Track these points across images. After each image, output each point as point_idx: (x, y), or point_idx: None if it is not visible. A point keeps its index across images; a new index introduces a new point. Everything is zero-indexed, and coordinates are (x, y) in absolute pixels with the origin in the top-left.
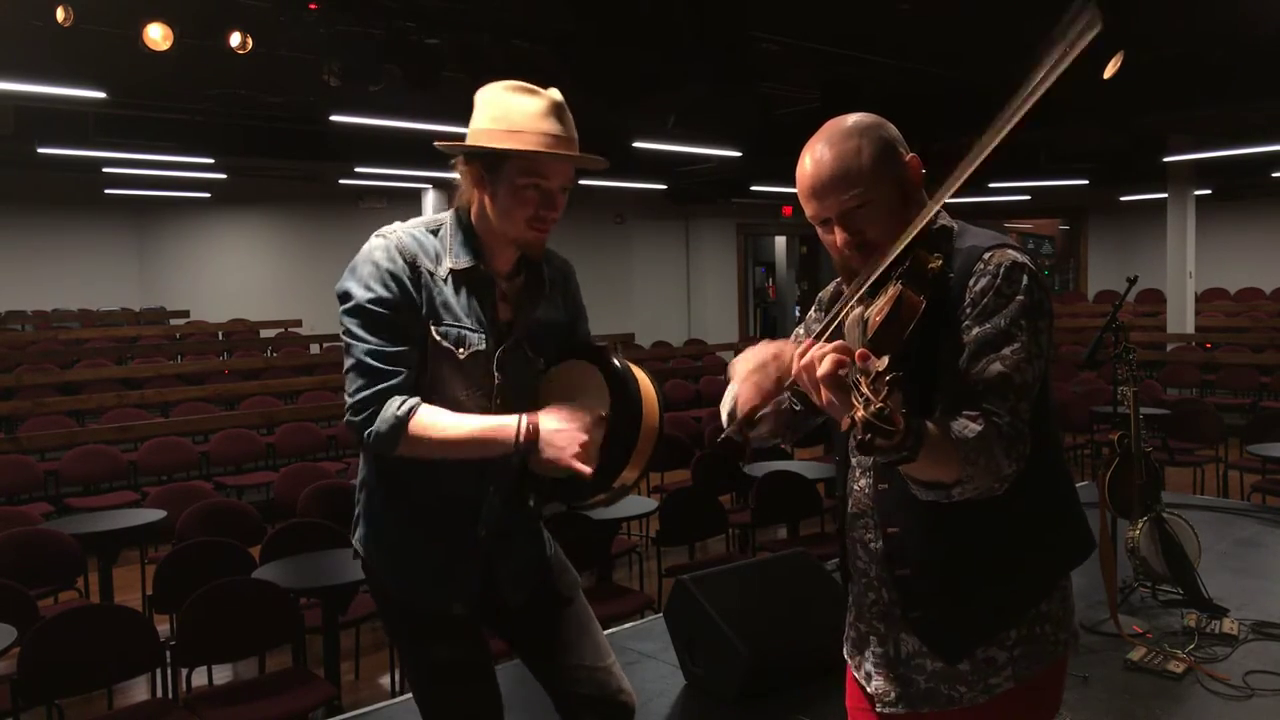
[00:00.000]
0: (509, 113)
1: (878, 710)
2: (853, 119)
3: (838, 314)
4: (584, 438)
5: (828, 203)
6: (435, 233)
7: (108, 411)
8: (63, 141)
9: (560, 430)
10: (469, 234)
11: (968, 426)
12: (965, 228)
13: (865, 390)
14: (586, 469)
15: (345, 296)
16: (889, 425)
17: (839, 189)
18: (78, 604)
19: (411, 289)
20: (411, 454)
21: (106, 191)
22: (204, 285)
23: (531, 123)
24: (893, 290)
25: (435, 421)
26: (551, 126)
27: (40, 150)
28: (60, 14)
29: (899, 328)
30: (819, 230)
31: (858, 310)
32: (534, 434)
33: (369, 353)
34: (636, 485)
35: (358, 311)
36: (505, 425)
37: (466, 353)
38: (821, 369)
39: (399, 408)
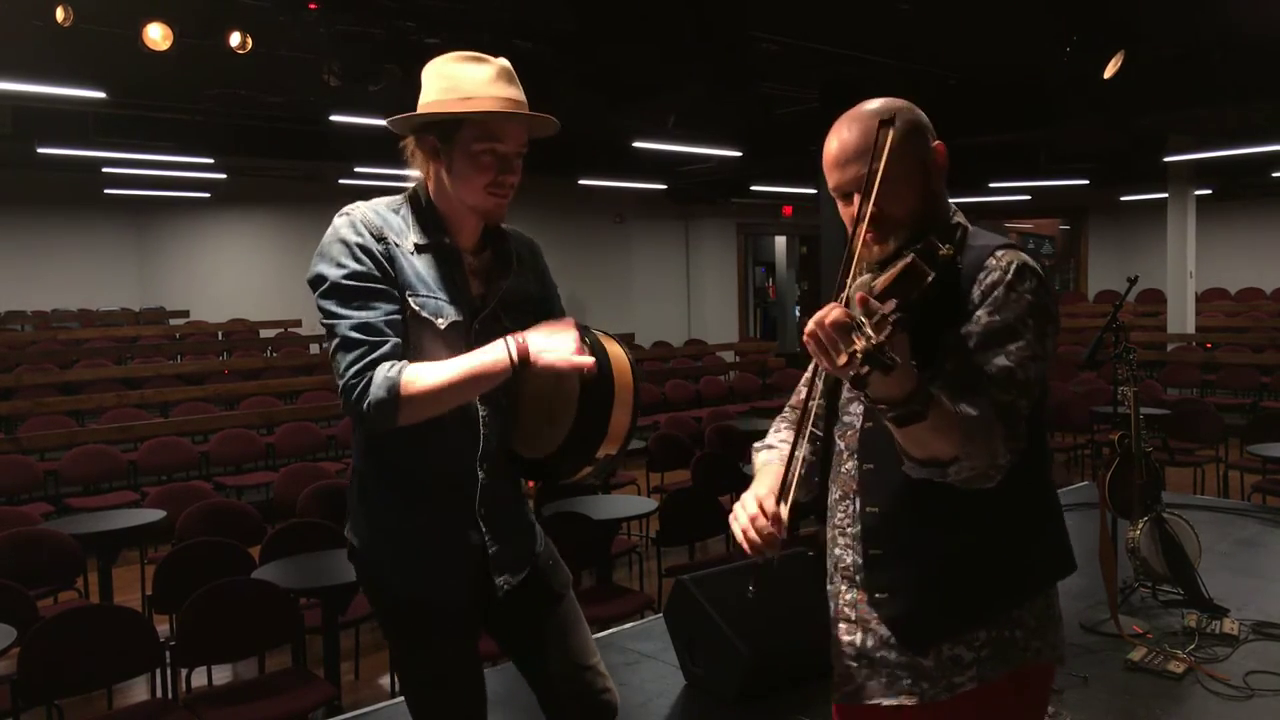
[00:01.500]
0: (459, 82)
1: (836, 700)
2: (882, 100)
3: (843, 284)
4: (575, 340)
5: (849, 174)
6: (396, 212)
7: (108, 411)
8: (62, 141)
9: (550, 337)
10: (430, 211)
11: (972, 407)
12: (979, 230)
13: (869, 329)
14: (588, 360)
15: (319, 280)
16: (887, 360)
17: (861, 162)
18: (77, 604)
19: (384, 260)
20: (414, 417)
21: (106, 191)
22: (204, 285)
23: (483, 89)
24: (905, 260)
25: (427, 371)
26: (503, 91)
27: (40, 150)
28: (60, 14)
29: (906, 290)
30: (840, 204)
31: (865, 277)
32: (525, 348)
33: (353, 326)
34: (620, 458)
35: (333, 290)
36: (495, 350)
37: (446, 322)
38: (830, 317)
39: (390, 370)
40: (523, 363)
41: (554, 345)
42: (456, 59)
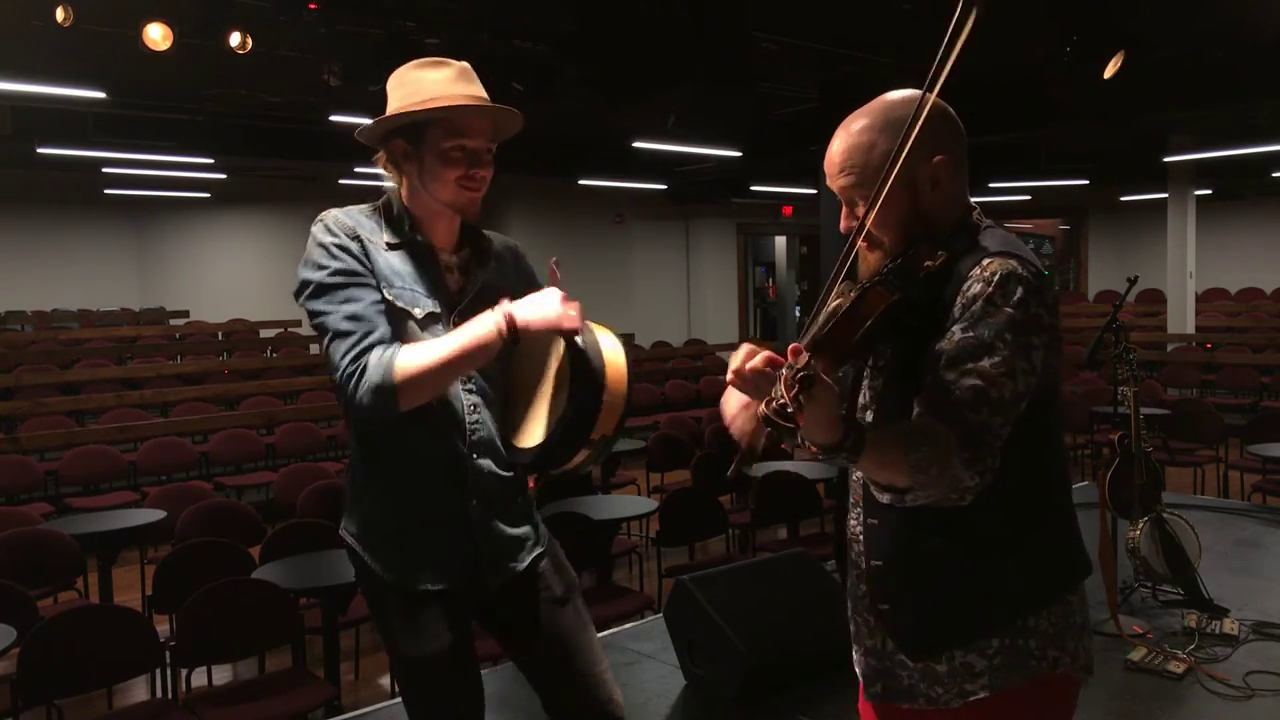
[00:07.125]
0: (421, 86)
1: (865, 698)
2: (894, 100)
3: (820, 305)
4: (559, 295)
5: (835, 183)
6: (368, 216)
7: (108, 411)
8: (62, 141)
9: (533, 299)
10: (403, 212)
11: (929, 434)
12: (992, 232)
13: (781, 385)
14: (574, 319)
15: (304, 285)
16: (787, 422)
17: (842, 175)
18: (77, 604)
19: (361, 256)
20: (414, 399)
21: (106, 191)
22: (204, 285)
23: (445, 89)
24: (860, 288)
25: (420, 351)
26: (465, 89)
27: (40, 150)
28: (60, 14)
29: (854, 324)
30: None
31: (837, 302)
32: (510, 316)
33: (343, 318)
34: (617, 440)
35: (319, 290)
36: (482, 322)
37: (423, 313)
38: (750, 364)
39: (384, 353)
40: (510, 330)
41: (539, 307)
42: (415, 65)
